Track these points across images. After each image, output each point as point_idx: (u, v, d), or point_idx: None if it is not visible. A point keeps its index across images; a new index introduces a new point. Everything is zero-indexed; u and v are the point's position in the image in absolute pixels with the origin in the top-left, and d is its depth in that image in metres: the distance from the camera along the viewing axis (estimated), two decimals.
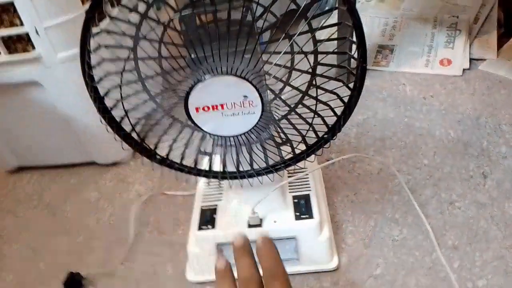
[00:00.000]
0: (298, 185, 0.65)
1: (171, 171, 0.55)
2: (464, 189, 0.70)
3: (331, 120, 0.50)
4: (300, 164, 0.56)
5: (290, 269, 0.60)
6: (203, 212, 0.63)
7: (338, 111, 0.50)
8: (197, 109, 0.45)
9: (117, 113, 0.50)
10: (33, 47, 0.69)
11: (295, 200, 0.62)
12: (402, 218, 0.67)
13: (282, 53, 0.44)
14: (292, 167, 0.55)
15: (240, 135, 0.49)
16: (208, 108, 0.45)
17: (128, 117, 0.48)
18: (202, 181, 0.69)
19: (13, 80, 0.73)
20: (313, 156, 0.54)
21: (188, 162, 0.55)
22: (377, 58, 1.04)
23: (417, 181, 0.72)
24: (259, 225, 0.60)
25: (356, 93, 0.48)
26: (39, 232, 0.76)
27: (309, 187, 0.64)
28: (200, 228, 0.61)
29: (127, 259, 0.68)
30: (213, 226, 0.61)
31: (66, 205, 0.80)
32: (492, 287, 0.56)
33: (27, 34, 0.67)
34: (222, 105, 0.44)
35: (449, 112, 0.86)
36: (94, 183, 0.83)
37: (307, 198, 0.62)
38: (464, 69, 0.97)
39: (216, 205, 0.64)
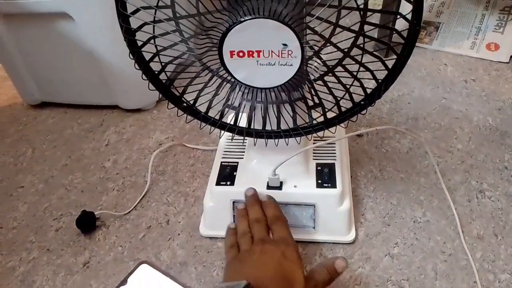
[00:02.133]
0: (323, 153, 0.62)
1: (194, 120, 0.53)
2: (496, 180, 0.66)
3: (369, 87, 0.47)
4: (328, 132, 0.54)
5: (305, 236, 0.59)
6: (223, 167, 0.61)
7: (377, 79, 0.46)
8: (231, 54, 0.42)
9: (147, 53, 0.48)
10: None
11: (319, 168, 0.60)
12: (427, 201, 0.64)
13: (326, 5, 0.40)
14: (320, 133, 0.52)
15: (271, 89, 0.46)
16: (244, 53, 0.42)
17: (159, 56, 0.45)
18: (224, 136, 0.66)
19: (43, 10, 0.71)
20: (345, 122, 0.51)
21: (214, 114, 0.53)
22: (421, 34, 0.98)
23: (448, 165, 0.69)
24: (279, 188, 0.58)
25: (403, 58, 0.45)
26: (55, 167, 0.75)
27: (335, 156, 0.61)
28: (218, 183, 0.59)
29: (141, 204, 0.67)
30: (232, 183, 0.59)
31: (84, 143, 0.79)
32: None
33: None
34: (258, 52, 0.41)
35: (490, 98, 0.81)
36: (114, 126, 0.82)
37: (331, 166, 0.60)
38: (511, 57, 0.91)
39: (237, 163, 0.62)
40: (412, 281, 0.55)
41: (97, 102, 0.86)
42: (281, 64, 0.42)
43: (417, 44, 1.02)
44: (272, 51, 0.41)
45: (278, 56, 0.41)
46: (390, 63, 0.45)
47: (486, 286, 0.53)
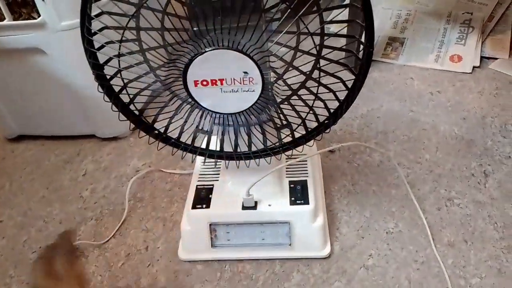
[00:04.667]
0: (296, 171, 0.64)
1: (165, 146, 0.55)
2: (464, 187, 0.69)
3: (333, 106, 0.49)
4: (299, 149, 0.56)
5: (281, 253, 0.61)
6: (198, 191, 0.62)
7: (340, 97, 0.49)
8: (195, 83, 0.44)
9: (118, 84, 0.49)
10: (38, 14, 0.68)
11: (291, 185, 0.62)
12: (398, 212, 0.66)
13: (285, 30, 0.43)
14: (290, 152, 0.54)
15: (239, 114, 0.48)
16: (207, 82, 0.44)
17: (126, 88, 0.47)
18: (199, 160, 0.68)
19: (17, 46, 0.72)
20: (312, 141, 0.53)
21: (186, 139, 0.55)
22: (387, 50, 1.02)
23: (417, 175, 0.71)
24: (254, 208, 0.59)
25: (361, 77, 0.47)
26: (33, 199, 0.76)
27: (307, 173, 0.63)
28: (194, 207, 0.60)
29: (120, 232, 0.67)
30: (208, 206, 0.60)
31: (62, 174, 0.80)
32: (485, 286, 0.55)
33: (33, 0, 0.66)
34: (221, 80, 0.43)
35: (456, 109, 0.84)
36: (92, 155, 0.83)
37: (303, 183, 0.62)
38: (474, 67, 0.95)
39: (213, 185, 0.63)
40: None
41: (74, 132, 0.87)
42: (243, 91, 0.44)
43: (384, 59, 1.06)
44: (234, 79, 0.43)
45: (240, 83, 0.43)
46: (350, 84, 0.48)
47: None
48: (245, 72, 0.42)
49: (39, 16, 0.68)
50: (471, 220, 0.64)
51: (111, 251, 0.65)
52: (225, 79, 0.43)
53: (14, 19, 0.71)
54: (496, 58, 0.96)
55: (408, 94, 0.89)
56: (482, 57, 0.97)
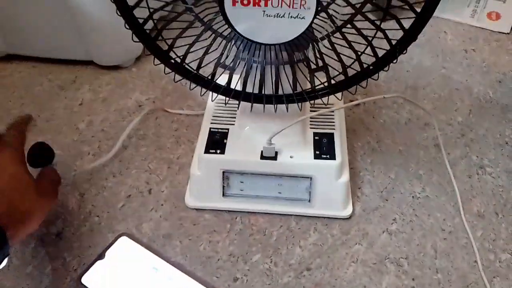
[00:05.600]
0: (322, 122, 0.57)
1: (183, 80, 0.47)
2: (497, 155, 0.63)
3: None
4: (325, 100, 0.49)
5: (299, 209, 0.55)
6: (212, 134, 0.56)
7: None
8: (234, 1, 0.36)
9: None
10: None
11: (316, 138, 0.55)
12: (426, 175, 0.60)
13: None
14: (320, 100, 0.48)
15: (273, 47, 0.41)
16: (249, 1, 0.36)
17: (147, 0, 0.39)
18: (212, 100, 0.61)
19: None
20: (353, 88, 0.46)
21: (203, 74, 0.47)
22: None
23: (448, 138, 0.65)
24: (274, 158, 0.53)
25: (426, 14, 0.40)
26: None
27: (334, 125, 0.57)
28: (207, 151, 0.54)
29: (120, 171, 0.61)
30: (222, 151, 0.54)
31: (55, 102, 0.72)
32: None
33: None
34: (266, 0, 0.35)
35: (491, 70, 0.77)
36: (89, 84, 0.75)
37: (330, 137, 0.55)
38: None
39: (228, 129, 0.56)
40: (411, 259, 0.52)
41: (70, 57, 0.77)
42: (291, 16, 0.36)
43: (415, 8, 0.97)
44: (282, 0, 0.35)
45: (289, 6, 0.35)
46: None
47: (486, 266, 0.51)
48: None
49: None
50: (504, 191, 0.59)
51: (110, 190, 0.59)
52: None
53: None
54: None
55: (441, 49, 0.81)
56: None
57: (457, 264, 0.51)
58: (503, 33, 0.86)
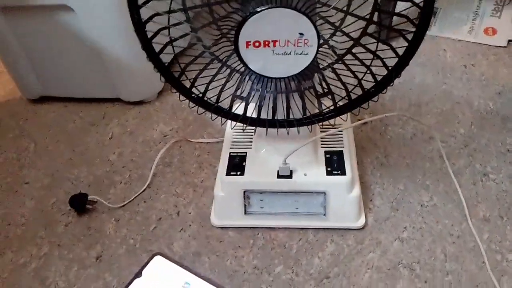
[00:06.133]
0: (331, 141, 0.62)
1: (197, 110, 0.53)
2: (499, 163, 0.67)
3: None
4: (331, 121, 0.54)
5: (316, 223, 0.60)
6: (232, 158, 0.61)
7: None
8: (247, 44, 0.42)
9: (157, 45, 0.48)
10: None
11: (327, 156, 0.60)
12: (433, 185, 0.65)
13: None
14: (329, 122, 0.53)
15: (283, 79, 0.47)
16: (260, 43, 0.42)
17: (172, 45, 0.45)
18: (230, 127, 0.66)
19: (42, 2, 0.69)
20: (356, 110, 0.52)
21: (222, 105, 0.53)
22: None
23: (452, 149, 0.70)
24: (289, 177, 0.58)
25: (416, 42, 0.45)
26: (59, 161, 0.75)
27: (342, 143, 0.62)
28: (228, 174, 0.59)
29: (150, 196, 0.67)
30: (242, 173, 0.59)
31: (88, 137, 0.79)
32: None
33: None
34: (275, 42, 0.41)
35: (490, 83, 0.82)
36: (117, 119, 0.82)
37: (340, 154, 0.60)
38: (509, 41, 0.92)
39: (246, 153, 0.62)
40: (423, 263, 0.56)
41: (98, 95, 0.85)
42: (296, 53, 0.42)
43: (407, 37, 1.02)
44: (288, 41, 0.41)
45: (294, 45, 0.41)
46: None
47: (494, 266, 0.55)
48: (301, 34, 0.40)
49: None
50: (507, 196, 0.63)
51: (142, 215, 0.65)
52: (279, 40, 0.41)
53: None
54: None
55: (441, 66, 0.86)
56: None
57: (466, 266, 0.55)
58: (500, 46, 0.91)
